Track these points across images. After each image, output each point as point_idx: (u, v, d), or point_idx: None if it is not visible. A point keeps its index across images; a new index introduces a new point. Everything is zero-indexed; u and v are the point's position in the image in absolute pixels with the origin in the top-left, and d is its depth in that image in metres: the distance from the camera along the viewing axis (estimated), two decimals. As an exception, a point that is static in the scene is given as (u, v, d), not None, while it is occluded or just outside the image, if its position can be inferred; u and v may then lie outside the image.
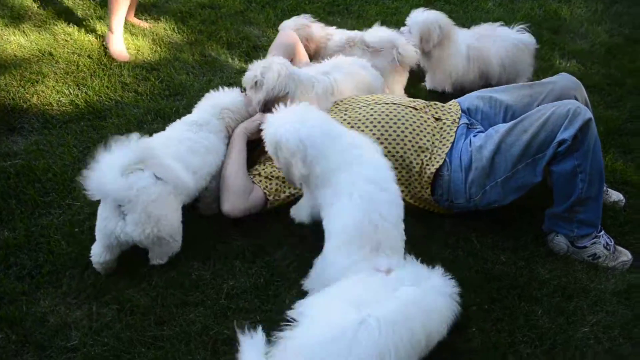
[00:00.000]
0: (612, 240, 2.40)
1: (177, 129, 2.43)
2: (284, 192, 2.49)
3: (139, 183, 2.01)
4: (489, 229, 2.51)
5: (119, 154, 1.98)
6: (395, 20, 4.20)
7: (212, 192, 2.44)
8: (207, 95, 2.62)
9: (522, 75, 3.44)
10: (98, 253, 2.12)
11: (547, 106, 2.31)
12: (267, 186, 2.46)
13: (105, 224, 2.06)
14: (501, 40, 3.39)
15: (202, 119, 2.45)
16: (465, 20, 4.28)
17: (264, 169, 2.52)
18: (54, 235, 2.35)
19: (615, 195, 2.69)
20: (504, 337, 2.05)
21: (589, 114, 2.23)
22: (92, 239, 2.31)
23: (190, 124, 2.43)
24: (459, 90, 3.33)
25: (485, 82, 3.42)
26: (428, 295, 1.73)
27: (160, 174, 2.08)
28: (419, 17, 3.31)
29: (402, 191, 2.48)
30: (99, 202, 2.45)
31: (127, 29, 3.89)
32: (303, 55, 3.20)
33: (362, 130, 2.50)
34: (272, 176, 2.49)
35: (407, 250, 2.31)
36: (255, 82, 2.59)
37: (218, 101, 2.54)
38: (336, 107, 2.71)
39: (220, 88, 2.64)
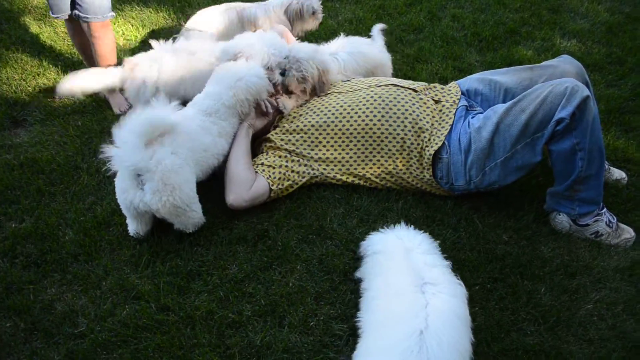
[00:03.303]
0: (615, 218, 2.40)
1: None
2: (288, 179, 2.50)
3: (157, 154, 2.10)
4: (490, 209, 2.51)
5: (139, 125, 2.06)
6: (394, 5, 4.19)
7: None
8: (223, 68, 2.55)
9: None
10: (133, 228, 2.27)
11: (545, 85, 2.30)
12: (270, 175, 2.47)
13: (125, 196, 2.15)
14: None
15: (211, 107, 2.44)
16: (464, 2, 4.26)
17: (266, 158, 2.53)
18: (59, 224, 2.37)
19: (618, 174, 2.68)
20: (507, 316, 2.05)
21: (586, 91, 2.21)
22: (97, 227, 2.34)
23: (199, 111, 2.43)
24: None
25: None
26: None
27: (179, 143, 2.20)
28: None
29: (404, 173, 2.50)
30: (103, 190, 2.49)
31: (126, 20, 3.89)
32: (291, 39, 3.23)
33: (364, 112, 2.52)
34: (276, 165, 2.50)
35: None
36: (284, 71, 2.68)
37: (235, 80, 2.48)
38: (337, 90, 2.72)
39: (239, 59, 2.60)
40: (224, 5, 3.47)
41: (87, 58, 3.19)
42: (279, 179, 2.48)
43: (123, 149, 2.06)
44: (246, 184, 2.40)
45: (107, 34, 3.02)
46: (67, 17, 2.97)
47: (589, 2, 4.29)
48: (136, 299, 2.08)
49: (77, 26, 3.03)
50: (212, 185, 2.47)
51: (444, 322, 1.63)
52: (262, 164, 2.51)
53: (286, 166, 2.51)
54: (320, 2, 3.52)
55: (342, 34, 3.17)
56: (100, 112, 3.10)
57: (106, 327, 1.96)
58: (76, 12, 2.90)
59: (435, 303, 1.67)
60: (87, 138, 2.90)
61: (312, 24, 3.49)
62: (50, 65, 3.41)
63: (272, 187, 2.46)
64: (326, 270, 2.20)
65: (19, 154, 2.78)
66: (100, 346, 1.91)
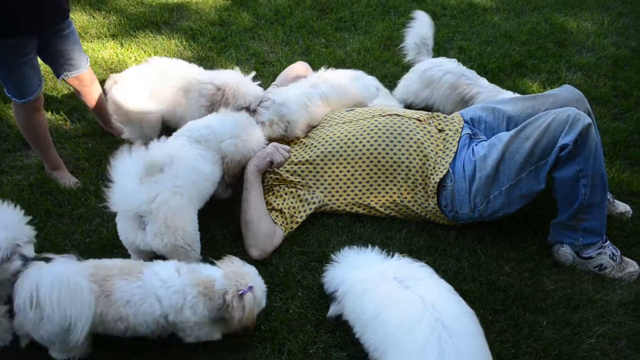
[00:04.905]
0: (619, 251, 2.40)
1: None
2: (296, 222, 2.53)
3: (160, 196, 2.06)
4: (493, 240, 2.52)
5: (134, 162, 2.03)
6: (401, 36, 4.24)
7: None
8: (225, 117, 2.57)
9: None
10: (134, 259, 2.25)
11: (548, 113, 2.34)
12: (282, 221, 2.50)
13: (127, 236, 2.14)
14: None
15: (204, 137, 2.41)
16: (471, 34, 4.32)
17: (275, 200, 2.56)
18: (65, 245, 2.40)
19: (622, 207, 2.68)
20: (507, 348, 2.05)
21: (588, 119, 2.25)
22: (102, 249, 2.37)
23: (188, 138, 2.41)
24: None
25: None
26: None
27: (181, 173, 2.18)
28: None
29: (409, 201, 2.51)
30: (109, 212, 2.51)
31: (139, 46, 3.98)
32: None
33: (368, 142, 2.55)
34: (285, 207, 2.53)
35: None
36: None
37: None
38: (341, 120, 2.76)
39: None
40: (447, 61, 3.31)
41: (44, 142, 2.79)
42: (289, 223, 2.51)
43: (120, 194, 2.01)
44: (270, 239, 2.42)
45: (95, 78, 3.01)
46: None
47: (595, 36, 4.34)
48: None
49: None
50: (214, 208, 2.50)
51: (447, 303, 1.75)
52: (273, 209, 2.53)
53: (293, 207, 2.54)
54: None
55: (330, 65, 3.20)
56: (109, 136, 3.16)
57: (107, 348, 1.97)
58: (64, 75, 2.78)
59: (427, 291, 1.78)
60: (95, 161, 2.95)
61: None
62: (63, 89, 3.49)
63: (285, 233, 2.49)
64: (327, 298, 2.19)
65: (28, 175, 2.83)
66: (100, 369, 1.92)
